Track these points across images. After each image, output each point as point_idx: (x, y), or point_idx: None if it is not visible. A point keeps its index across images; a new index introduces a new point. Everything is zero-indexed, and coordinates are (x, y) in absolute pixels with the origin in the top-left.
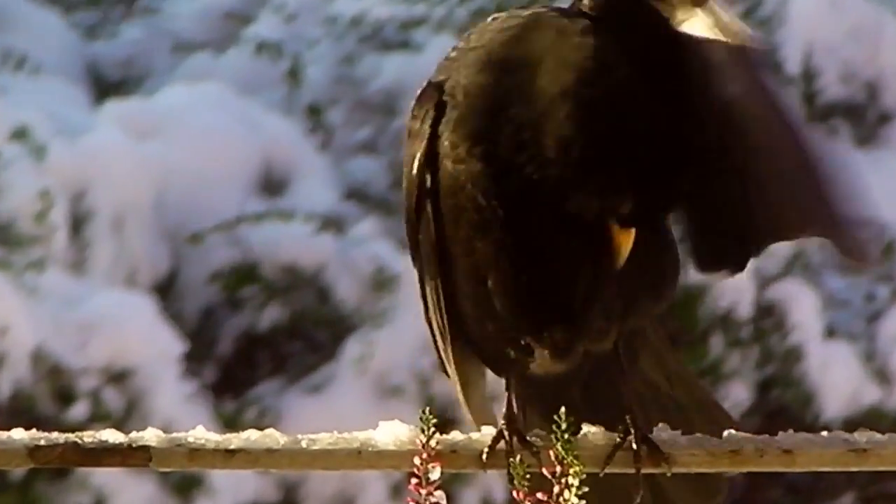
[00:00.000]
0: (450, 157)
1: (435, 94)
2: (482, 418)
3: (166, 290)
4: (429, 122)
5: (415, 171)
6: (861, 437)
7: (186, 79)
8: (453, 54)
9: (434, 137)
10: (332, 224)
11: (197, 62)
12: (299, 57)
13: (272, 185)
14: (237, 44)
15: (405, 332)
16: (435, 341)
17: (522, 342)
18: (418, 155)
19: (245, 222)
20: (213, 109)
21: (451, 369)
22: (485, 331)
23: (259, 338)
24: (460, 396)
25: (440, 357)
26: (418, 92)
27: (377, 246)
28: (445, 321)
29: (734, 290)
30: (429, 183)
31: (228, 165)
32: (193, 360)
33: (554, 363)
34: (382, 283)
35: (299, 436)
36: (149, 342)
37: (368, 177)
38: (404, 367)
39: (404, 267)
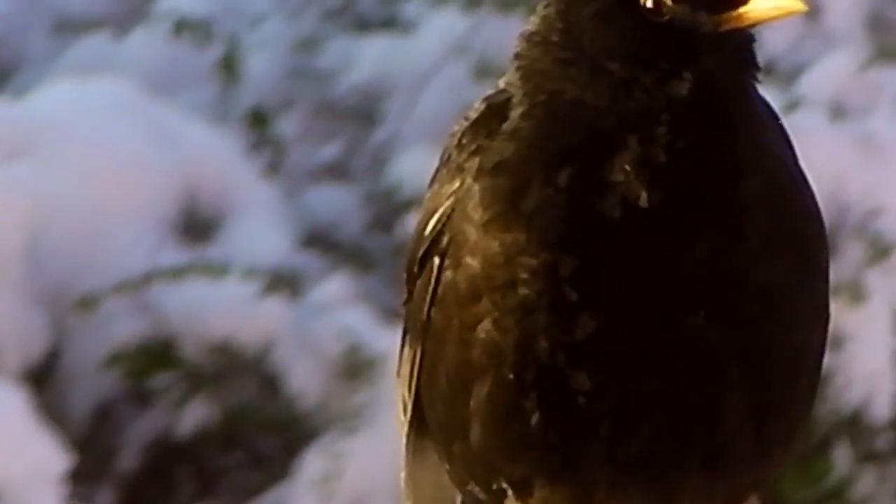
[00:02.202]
0: (496, 240)
1: (497, 123)
2: None
3: (44, 378)
4: (477, 158)
5: (435, 218)
6: None
7: (73, 71)
8: (532, 51)
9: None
10: (285, 283)
11: (88, 47)
12: (236, 40)
13: (197, 225)
14: (146, 21)
15: (388, 439)
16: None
17: (494, 486)
18: (446, 205)
19: (158, 280)
20: (111, 116)
21: (405, 462)
22: (449, 448)
23: (178, 447)
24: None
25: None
26: (480, 103)
27: (349, 315)
28: (411, 402)
29: (868, 378)
30: (444, 242)
31: (134, 197)
32: (83, 479)
33: None
34: (356, 368)
35: None
36: (18, 453)
37: (336, 215)
38: (386, 489)
39: (388, 345)
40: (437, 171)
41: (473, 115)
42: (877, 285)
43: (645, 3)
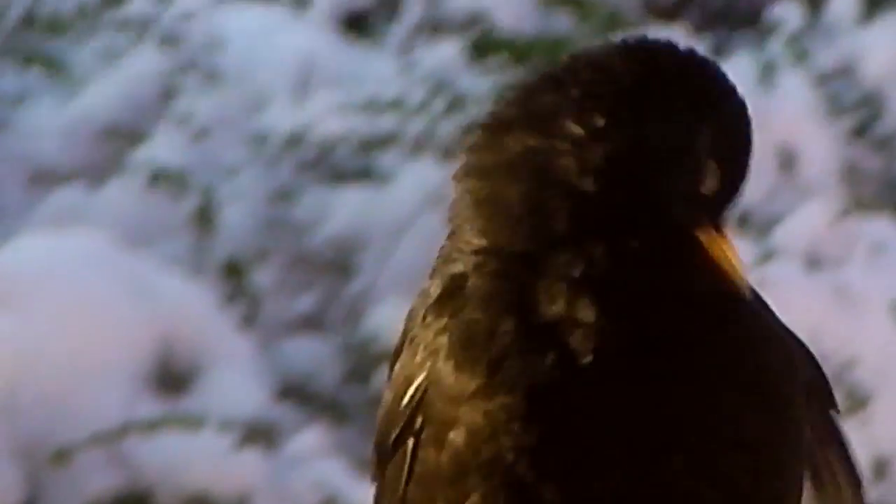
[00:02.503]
0: (476, 410)
1: (459, 297)
2: None
3: None
4: (445, 336)
5: (405, 401)
6: None
7: (48, 223)
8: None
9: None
10: (261, 435)
11: (63, 199)
12: (212, 191)
13: (173, 378)
14: (122, 172)
15: None
16: None
17: None
18: (417, 382)
19: (134, 432)
20: (86, 267)
21: None
22: None
23: None
24: None
25: None
26: (436, 275)
27: (325, 467)
28: None
29: None
30: (418, 424)
31: (109, 349)
32: None
33: None
34: None
35: None
36: None
37: (312, 366)
38: None
39: (364, 498)
40: (400, 348)
41: (434, 291)
42: (852, 436)
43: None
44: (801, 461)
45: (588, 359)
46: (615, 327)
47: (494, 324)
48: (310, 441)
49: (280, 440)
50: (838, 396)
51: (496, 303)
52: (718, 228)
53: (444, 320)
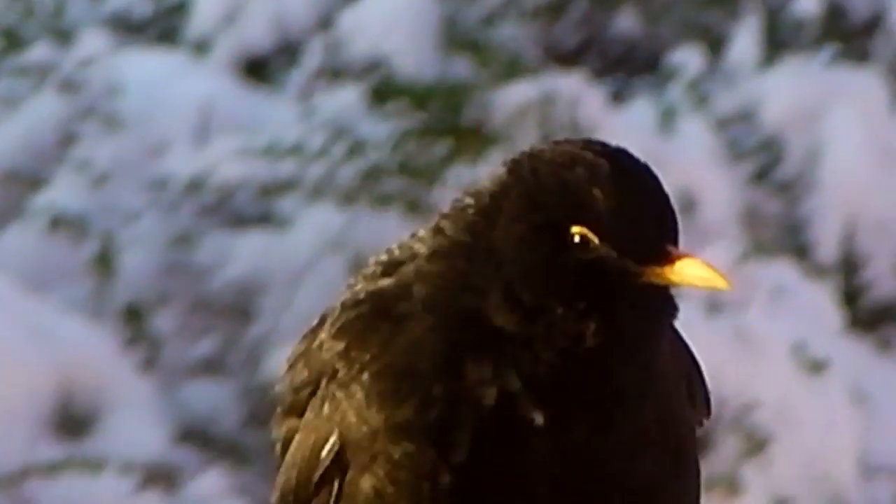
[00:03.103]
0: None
1: (387, 330)
2: None
3: None
4: (350, 389)
5: (328, 447)
6: None
7: None
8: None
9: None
10: (161, 477)
11: None
12: (112, 236)
13: (72, 421)
14: (22, 217)
15: None
16: None
17: None
18: (329, 444)
19: (34, 475)
20: None
21: None
22: None
23: None
24: None
25: None
26: (355, 302)
27: None
28: None
29: None
30: (344, 462)
31: (9, 393)
32: None
33: None
34: None
35: None
36: None
37: (212, 410)
38: None
39: None
40: (320, 388)
41: (358, 325)
42: (752, 479)
43: (573, 238)
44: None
45: (505, 419)
46: (540, 397)
47: (419, 369)
48: (210, 484)
49: (181, 483)
50: (739, 438)
51: (425, 349)
52: (669, 255)
53: (371, 352)
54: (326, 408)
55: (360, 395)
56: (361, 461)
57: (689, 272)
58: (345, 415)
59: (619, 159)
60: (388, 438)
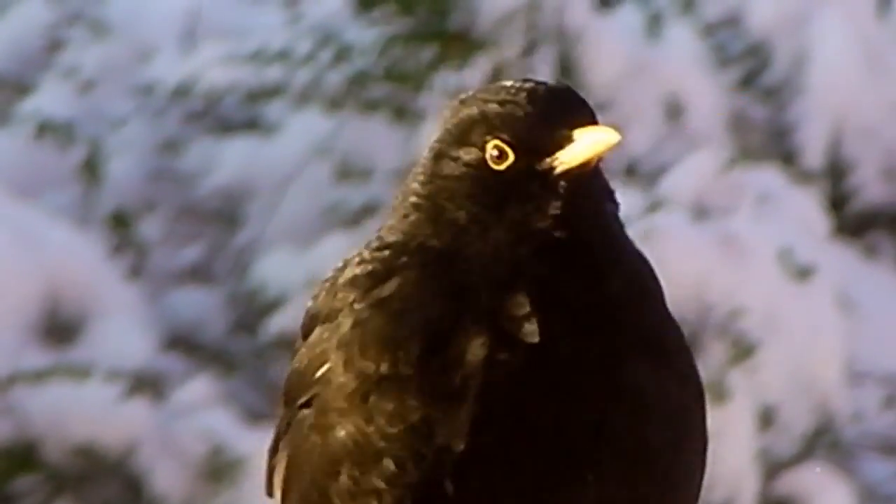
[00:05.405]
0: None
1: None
2: None
3: None
4: (366, 314)
5: (317, 376)
6: None
7: None
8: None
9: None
10: (147, 385)
11: None
12: (99, 142)
13: (59, 328)
14: (8, 123)
15: None
16: None
17: None
18: (326, 367)
19: (19, 383)
20: None
21: None
22: None
23: None
24: None
25: None
26: (361, 261)
27: (212, 416)
28: None
29: (732, 479)
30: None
31: None
32: None
33: None
34: (219, 470)
35: None
36: None
37: (199, 317)
38: None
39: (251, 447)
40: (321, 318)
41: (361, 274)
42: (739, 385)
43: (491, 154)
44: (692, 417)
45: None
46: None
47: (403, 323)
48: (197, 391)
49: (167, 390)
50: (725, 345)
51: (405, 303)
52: (568, 138)
53: (369, 300)
54: (324, 343)
55: (355, 347)
56: (339, 406)
57: (577, 146)
58: (330, 355)
59: (534, 84)
60: (379, 389)
